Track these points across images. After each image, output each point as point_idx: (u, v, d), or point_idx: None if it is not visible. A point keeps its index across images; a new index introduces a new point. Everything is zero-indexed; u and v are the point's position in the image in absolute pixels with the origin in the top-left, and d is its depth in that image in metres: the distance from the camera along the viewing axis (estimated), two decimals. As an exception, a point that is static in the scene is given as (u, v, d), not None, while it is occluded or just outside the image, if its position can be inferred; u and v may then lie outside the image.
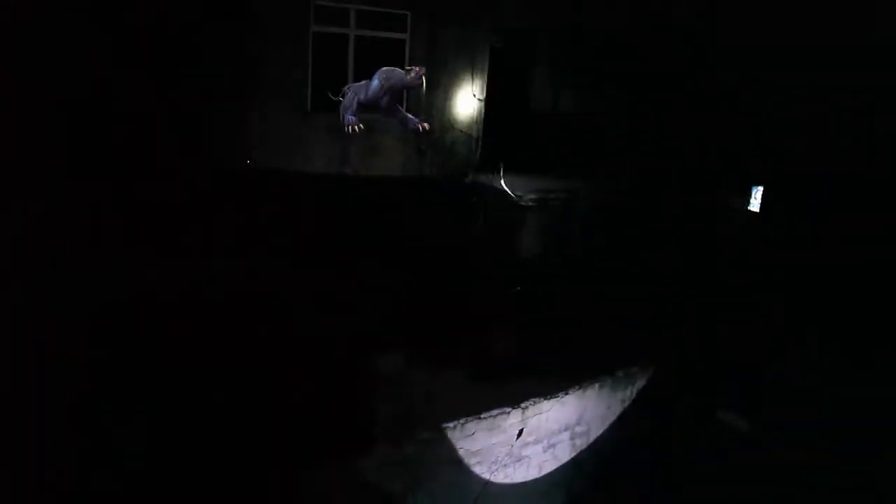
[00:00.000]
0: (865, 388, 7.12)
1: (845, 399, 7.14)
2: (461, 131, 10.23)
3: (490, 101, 10.57)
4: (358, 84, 7.04)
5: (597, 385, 7.29)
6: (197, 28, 7.93)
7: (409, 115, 7.18)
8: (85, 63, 7.13)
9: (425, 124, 6.98)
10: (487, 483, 6.51)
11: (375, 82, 6.66)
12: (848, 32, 8.19)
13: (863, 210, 8.13)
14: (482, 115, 10.55)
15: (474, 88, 10.32)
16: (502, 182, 9.81)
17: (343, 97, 7.05)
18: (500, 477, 6.64)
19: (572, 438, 7.30)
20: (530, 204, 9.54)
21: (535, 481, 7.04)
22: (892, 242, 7.77)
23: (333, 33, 9.26)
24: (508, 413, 6.46)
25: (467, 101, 10.24)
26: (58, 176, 6.77)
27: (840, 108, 8.47)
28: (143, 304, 6.28)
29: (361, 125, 6.92)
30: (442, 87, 9.92)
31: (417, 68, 6.58)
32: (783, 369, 8.08)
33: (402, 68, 6.77)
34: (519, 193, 9.56)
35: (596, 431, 7.57)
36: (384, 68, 6.72)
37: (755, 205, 10.52)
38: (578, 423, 7.28)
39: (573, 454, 7.39)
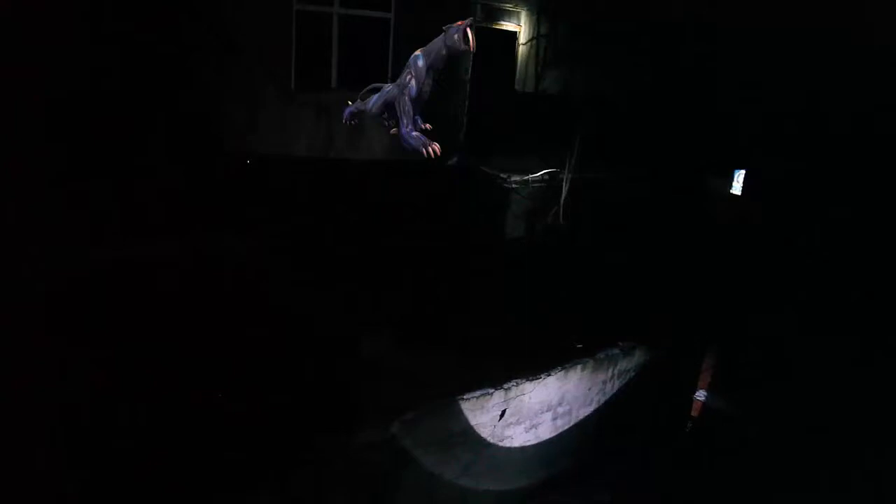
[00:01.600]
0: (860, 374, 7.23)
1: (837, 390, 7.24)
2: (446, 112, 10.18)
3: (476, 81, 10.52)
4: (388, 87, 5.31)
5: (579, 367, 7.37)
6: (176, 5, 7.78)
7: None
8: (60, 44, 6.99)
9: (435, 145, 4.81)
10: (470, 462, 6.60)
11: (420, 63, 4.86)
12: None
13: (851, 196, 8.26)
14: (468, 96, 10.51)
15: (460, 68, 10.26)
16: (487, 164, 9.81)
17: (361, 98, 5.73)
18: (483, 456, 6.73)
19: (554, 419, 7.40)
20: (514, 186, 9.56)
21: (518, 461, 7.15)
22: (878, 228, 7.91)
23: (316, 12, 9.15)
24: (491, 394, 6.51)
25: (453, 80, 10.18)
26: (40, 169, 6.67)
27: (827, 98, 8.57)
28: (131, 290, 6.26)
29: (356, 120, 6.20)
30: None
31: (459, 23, 4.61)
32: (766, 349, 8.21)
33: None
34: (504, 175, 9.57)
35: (577, 412, 7.68)
36: (415, 53, 4.94)
37: (737, 188, 10.66)
38: (560, 404, 7.38)
39: (555, 434, 7.51)
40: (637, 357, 8.15)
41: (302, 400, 5.70)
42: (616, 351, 7.86)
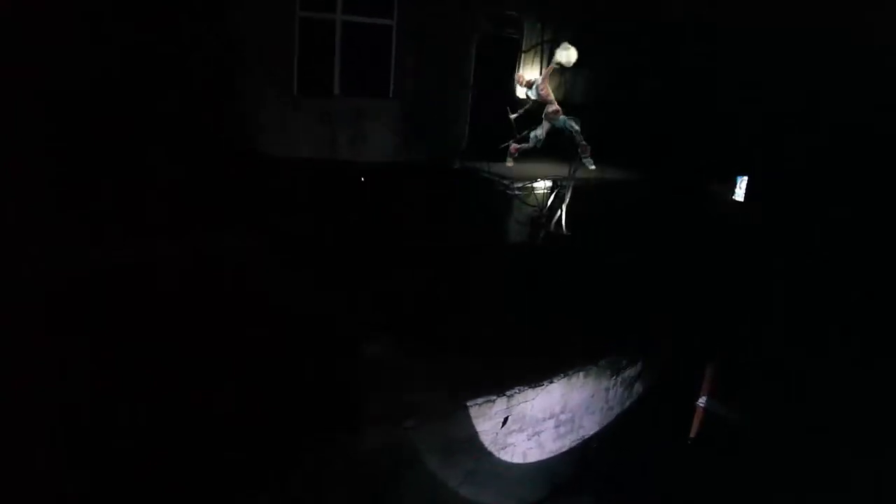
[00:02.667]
0: (863, 380, 7.17)
1: (838, 390, 7.18)
2: (449, 118, 10.20)
3: (479, 87, 10.54)
4: None
5: (581, 374, 7.33)
6: (180, 11, 7.81)
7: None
8: (60, 44, 7.01)
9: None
10: (472, 470, 6.56)
11: None
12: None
13: (851, 196, 8.24)
14: (471, 101, 10.52)
15: (463, 74, 10.27)
16: (489, 169, 9.80)
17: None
18: (486, 464, 6.68)
19: (557, 426, 7.36)
20: (517, 192, 9.55)
21: (520, 468, 7.10)
22: (878, 228, 7.89)
23: (320, 19, 9.17)
24: (494, 401, 6.47)
25: (456, 86, 10.20)
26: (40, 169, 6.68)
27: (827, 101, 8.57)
28: (131, 290, 6.24)
29: None
30: (430, 72, 9.88)
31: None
32: (766, 349, 8.16)
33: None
34: (506, 181, 9.56)
35: (580, 419, 7.64)
36: None
37: (740, 194, 10.63)
38: (563, 412, 7.34)
39: (557, 442, 7.46)
40: (640, 364, 8.12)
41: (302, 400, 5.67)
42: (618, 358, 7.83)
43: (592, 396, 7.64)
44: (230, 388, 5.57)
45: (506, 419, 6.67)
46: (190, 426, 5.16)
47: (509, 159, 9.08)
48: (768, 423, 7.69)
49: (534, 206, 9.70)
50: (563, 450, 7.54)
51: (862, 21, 8.30)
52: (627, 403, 8.08)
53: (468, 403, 6.26)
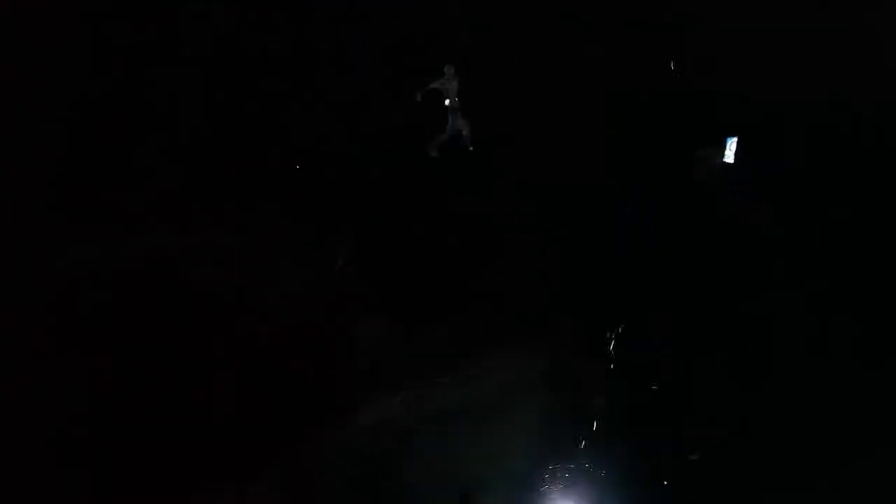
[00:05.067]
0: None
1: (838, 390, 7.20)
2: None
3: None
4: None
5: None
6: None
7: None
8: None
9: None
10: (472, 442, 6.68)
11: None
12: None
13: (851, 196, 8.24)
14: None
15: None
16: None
17: None
18: (485, 436, 6.83)
19: (553, 401, 7.42)
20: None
21: (518, 439, 7.19)
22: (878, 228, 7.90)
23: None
24: (491, 370, 6.60)
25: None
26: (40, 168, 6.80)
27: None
28: (131, 289, 6.39)
29: None
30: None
31: None
32: (765, 348, 8.15)
33: None
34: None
35: (577, 396, 7.67)
36: None
37: (730, 156, 10.44)
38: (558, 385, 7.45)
39: (555, 413, 7.51)
40: (632, 342, 8.13)
41: (301, 381, 5.80)
42: (610, 335, 7.89)
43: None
44: (231, 369, 5.67)
45: (503, 389, 6.75)
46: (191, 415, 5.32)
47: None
48: (768, 422, 7.67)
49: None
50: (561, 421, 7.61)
51: (862, 21, 8.27)
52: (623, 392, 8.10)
53: (463, 374, 6.37)
